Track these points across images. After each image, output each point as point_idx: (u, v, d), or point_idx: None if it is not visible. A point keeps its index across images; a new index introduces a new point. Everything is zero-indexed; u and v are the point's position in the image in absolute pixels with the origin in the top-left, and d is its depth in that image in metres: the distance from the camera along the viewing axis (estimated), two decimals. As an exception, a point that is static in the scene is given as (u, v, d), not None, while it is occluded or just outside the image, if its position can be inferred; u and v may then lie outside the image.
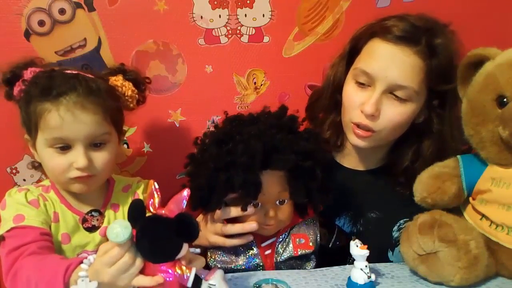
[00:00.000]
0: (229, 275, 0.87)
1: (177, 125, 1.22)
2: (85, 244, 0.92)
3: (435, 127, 0.99)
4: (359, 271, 0.79)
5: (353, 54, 1.02)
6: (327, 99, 1.07)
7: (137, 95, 0.98)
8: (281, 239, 0.93)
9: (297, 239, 0.93)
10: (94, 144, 0.87)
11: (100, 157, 0.88)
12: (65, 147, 0.85)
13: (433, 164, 0.94)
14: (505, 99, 0.80)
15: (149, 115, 1.18)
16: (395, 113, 0.94)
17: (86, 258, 0.70)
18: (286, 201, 0.88)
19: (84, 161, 0.84)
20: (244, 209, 0.83)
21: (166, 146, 1.22)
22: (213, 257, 0.92)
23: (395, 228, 1.03)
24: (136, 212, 0.65)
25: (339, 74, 1.05)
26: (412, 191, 0.94)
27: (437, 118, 0.99)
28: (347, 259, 0.94)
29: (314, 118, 1.11)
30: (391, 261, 1.02)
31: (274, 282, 0.81)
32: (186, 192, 0.67)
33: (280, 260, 0.91)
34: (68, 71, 0.90)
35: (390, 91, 0.93)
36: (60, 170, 0.86)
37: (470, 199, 0.89)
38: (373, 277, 0.80)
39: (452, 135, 0.98)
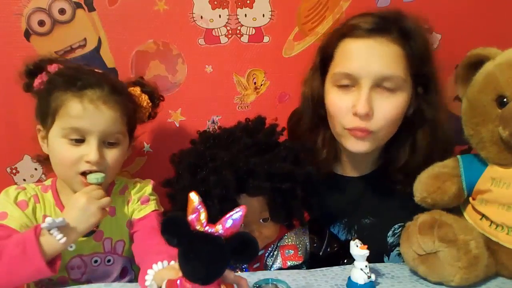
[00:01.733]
0: (229, 275, 0.87)
1: (177, 125, 1.22)
2: (78, 249, 0.90)
3: (427, 115, 0.95)
4: (359, 271, 0.79)
5: (325, 63, 0.98)
6: (310, 118, 1.02)
7: (150, 108, 1.01)
8: (269, 252, 0.92)
9: (286, 251, 0.92)
10: (107, 143, 0.89)
11: (111, 155, 0.89)
12: (79, 140, 0.86)
13: (430, 155, 0.94)
14: (505, 99, 0.80)
15: (149, 115, 1.18)
16: (389, 107, 0.90)
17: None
18: (269, 218, 0.87)
19: (96, 154, 0.85)
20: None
21: (166, 146, 1.22)
22: None
23: (390, 233, 1.02)
24: (177, 229, 0.59)
25: (316, 88, 1.00)
26: (412, 188, 0.91)
27: (427, 106, 0.96)
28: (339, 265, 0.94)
29: (297, 139, 1.06)
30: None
31: (274, 282, 0.81)
32: (242, 210, 0.59)
33: None
34: (96, 70, 0.94)
35: (378, 84, 0.89)
36: (70, 162, 0.86)
37: (470, 199, 0.89)
38: (373, 277, 0.80)
39: (444, 119, 0.96)
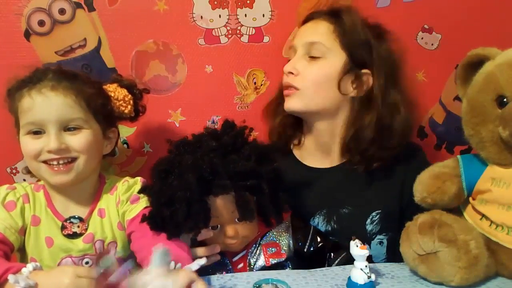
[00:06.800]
0: (229, 275, 0.87)
1: (177, 125, 1.22)
2: (68, 249, 0.90)
3: (378, 97, 1.01)
4: (359, 271, 0.79)
5: None
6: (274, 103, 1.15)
7: (131, 101, 0.99)
8: (251, 251, 0.92)
9: (268, 249, 0.93)
10: (68, 129, 0.87)
11: (76, 140, 0.87)
12: (38, 132, 0.86)
13: (393, 132, 1.01)
14: (505, 99, 0.80)
15: (149, 115, 1.18)
16: (311, 69, 1.03)
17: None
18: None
19: (55, 142, 0.85)
20: (193, 238, 0.84)
21: (166, 146, 1.22)
22: None
23: (368, 221, 1.05)
24: None
25: None
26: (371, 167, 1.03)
27: (379, 88, 1.02)
28: (324, 262, 0.96)
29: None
30: (370, 255, 1.03)
31: (274, 282, 0.81)
32: None
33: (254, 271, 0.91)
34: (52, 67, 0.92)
35: (308, 52, 1.04)
36: (33, 154, 0.86)
37: (470, 199, 0.90)
38: (373, 277, 0.80)
39: (402, 106, 1.03)
